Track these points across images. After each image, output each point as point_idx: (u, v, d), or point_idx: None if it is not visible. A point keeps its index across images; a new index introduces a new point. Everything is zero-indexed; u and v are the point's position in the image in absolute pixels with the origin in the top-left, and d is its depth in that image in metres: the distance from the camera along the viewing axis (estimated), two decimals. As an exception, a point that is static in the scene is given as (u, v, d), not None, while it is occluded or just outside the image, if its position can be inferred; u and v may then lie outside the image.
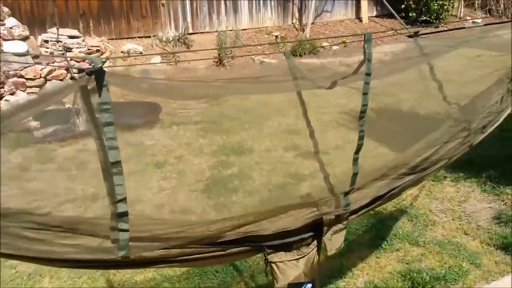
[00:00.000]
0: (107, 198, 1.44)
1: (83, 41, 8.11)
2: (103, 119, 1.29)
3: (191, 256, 1.77)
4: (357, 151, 1.95)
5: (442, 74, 2.78)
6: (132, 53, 8.72)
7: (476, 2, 11.48)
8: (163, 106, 6.24)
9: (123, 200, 1.38)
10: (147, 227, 1.58)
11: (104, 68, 1.27)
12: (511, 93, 2.32)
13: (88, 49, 8.06)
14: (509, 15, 10.78)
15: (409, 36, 2.57)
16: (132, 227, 1.47)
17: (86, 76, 1.23)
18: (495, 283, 3.01)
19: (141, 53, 8.82)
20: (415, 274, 3.08)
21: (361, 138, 1.92)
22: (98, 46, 8.28)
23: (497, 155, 4.71)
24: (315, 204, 2.03)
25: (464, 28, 2.76)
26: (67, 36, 7.86)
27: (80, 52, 7.70)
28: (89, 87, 1.25)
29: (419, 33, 2.55)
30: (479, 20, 10.52)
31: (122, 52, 8.68)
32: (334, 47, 9.76)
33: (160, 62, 8.53)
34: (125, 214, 1.40)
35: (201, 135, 5.65)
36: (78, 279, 3.08)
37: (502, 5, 10.99)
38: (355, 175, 1.99)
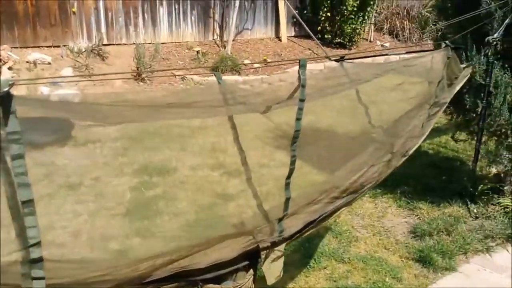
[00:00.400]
0: (17, 241, 1.24)
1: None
2: (12, 151, 1.11)
3: (119, 300, 1.60)
4: (288, 176, 1.94)
5: (367, 97, 2.90)
6: (39, 63, 8.05)
7: (385, 27, 12.44)
8: (76, 122, 5.80)
9: (37, 244, 1.20)
10: (67, 272, 1.39)
11: (12, 92, 1.09)
12: (431, 117, 2.47)
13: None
14: (413, 40, 11.83)
15: (336, 60, 2.65)
16: (48, 273, 1.28)
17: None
18: (416, 297, 3.17)
19: (49, 63, 8.18)
20: (342, 292, 3.14)
21: (292, 163, 1.91)
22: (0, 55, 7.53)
23: (407, 172, 5.03)
24: (250, 232, 1.97)
25: (387, 55, 2.92)
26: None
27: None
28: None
29: (345, 58, 2.64)
30: (387, 44, 11.39)
31: (27, 62, 7.97)
32: (256, 65, 9.91)
33: (72, 76, 7.95)
34: (39, 260, 1.21)
35: (120, 154, 5.32)
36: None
37: (407, 31, 12.03)
38: (287, 200, 1.97)
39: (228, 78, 8.84)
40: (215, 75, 2.30)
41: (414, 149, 2.68)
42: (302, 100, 1.84)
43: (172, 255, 1.73)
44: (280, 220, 2.09)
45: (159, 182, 4.72)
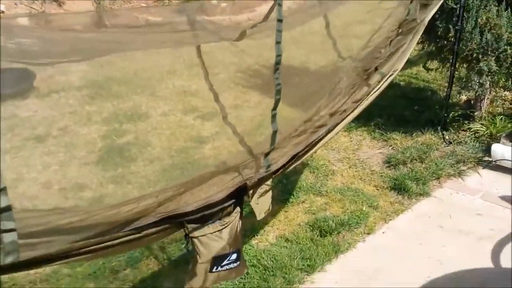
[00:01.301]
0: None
1: None
2: None
3: (99, 246, 1.53)
4: (274, 107, 1.84)
5: (336, 32, 2.81)
6: (-10, 13, 7.46)
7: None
8: (37, 72, 5.49)
9: (2, 190, 1.09)
10: (42, 220, 1.30)
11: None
12: (402, 36, 2.41)
13: None
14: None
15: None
16: (21, 223, 1.19)
17: None
18: (392, 223, 3.27)
19: (3, 12, 7.59)
20: (321, 223, 3.21)
21: (278, 92, 1.80)
22: None
23: (380, 104, 5.03)
24: (236, 169, 1.91)
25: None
26: None
27: None
28: None
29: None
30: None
31: (-23, 11, 7.38)
32: (223, 4, 9.49)
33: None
34: (7, 209, 1.10)
35: (87, 102, 5.10)
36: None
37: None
38: (274, 133, 1.89)
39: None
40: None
41: (394, 74, 2.62)
42: (280, 21, 1.68)
43: (158, 196, 1.66)
44: (266, 154, 2.03)
45: (130, 129, 4.59)
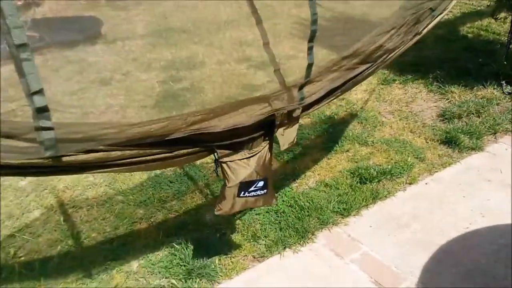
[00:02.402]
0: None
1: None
2: None
3: (134, 159, 1.69)
4: (311, 39, 1.83)
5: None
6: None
7: None
8: (105, 20, 5.82)
9: (39, 92, 1.23)
10: (80, 128, 1.47)
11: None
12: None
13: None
14: None
15: None
16: (59, 128, 1.35)
17: None
18: (437, 174, 3.20)
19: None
20: (363, 171, 3.21)
21: (314, 22, 1.78)
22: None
23: (442, 57, 4.79)
24: (266, 99, 1.95)
25: None
26: None
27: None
28: None
29: None
30: None
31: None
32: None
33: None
34: (44, 109, 1.25)
35: (148, 50, 5.36)
36: (25, 198, 2.99)
37: None
38: (310, 65, 1.89)
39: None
40: None
41: (444, 13, 2.48)
42: None
43: (187, 117, 1.76)
44: (301, 87, 2.03)
45: (186, 76, 4.78)
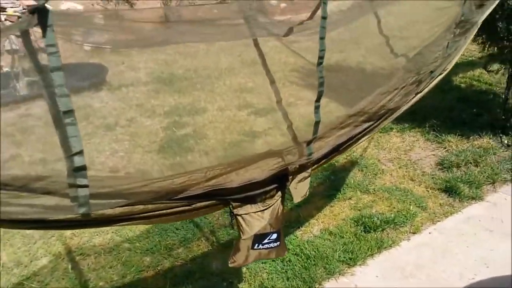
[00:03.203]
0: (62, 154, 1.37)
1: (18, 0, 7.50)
2: (50, 63, 1.19)
3: (155, 212, 1.74)
4: (318, 99, 1.93)
5: (390, 32, 2.85)
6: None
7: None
8: (110, 67, 6.01)
9: (80, 153, 1.31)
10: (108, 182, 1.53)
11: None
12: (457, 37, 2.42)
13: (24, 9, 7.46)
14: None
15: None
16: (91, 183, 1.41)
17: (28, 14, 1.12)
18: (440, 224, 3.25)
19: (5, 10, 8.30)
20: (366, 219, 3.26)
21: (321, 84, 1.89)
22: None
23: (437, 106, 4.96)
24: (279, 154, 2.04)
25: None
26: (-2, -6, 7.22)
27: (15, 12, 7.10)
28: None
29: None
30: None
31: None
32: (282, 4, 9.65)
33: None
34: (83, 168, 1.33)
35: (152, 96, 5.50)
36: (33, 245, 2.98)
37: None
38: (317, 123, 1.99)
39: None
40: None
41: (444, 74, 2.63)
42: (324, 18, 1.80)
43: (207, 172, 1.83)
44: (309, 143, 2.13)
45: (189, 122, 4.89)
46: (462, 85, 5.49)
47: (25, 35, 1.21)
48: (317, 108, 2.02)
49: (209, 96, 5.60)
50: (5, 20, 6.67)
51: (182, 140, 4.50)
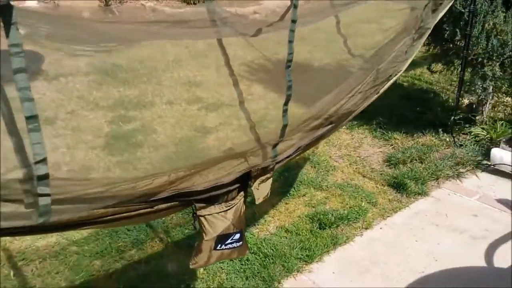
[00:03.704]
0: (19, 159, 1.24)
1: None
2: (14, 65, 1.07)
3: (116, 216, 1.63)
4: (286, 103, 1.92)
5: (345, 30, 2.88)
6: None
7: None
8: (46, 55, 5.57)
9: (43, 160, 1.20)
10: (69, 188, 1.40)
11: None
12: (415, 42, 2.49)
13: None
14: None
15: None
16: (53, 190, 1.28)
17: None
18: (390, 219, 3.37)
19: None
20: (321, 216, 3.30)
21: (289, 88, 1.87)
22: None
23: (382, 104, 5.12)
24: (243, 155, 2.00)
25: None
26: None
27: None
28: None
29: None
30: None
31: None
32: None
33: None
34: (45, 177, 1.21)
35: (94, 88, 5.18)
36: (-33, 253, 2.70)
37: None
38: (284, 126, 1.98)
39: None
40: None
41: (398, 75, 2.70)
42: (294, 22, 1.78)
43: (170, 175, 1.75)
44: (275, 145, 2.11)
45: (136, 116, 4.67)
46: (405, 83, 5.73)
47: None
48: (285, 111, 2.01)
49: (156, 89, 5.39)
50: None
51: (129, 135, 4.29)
